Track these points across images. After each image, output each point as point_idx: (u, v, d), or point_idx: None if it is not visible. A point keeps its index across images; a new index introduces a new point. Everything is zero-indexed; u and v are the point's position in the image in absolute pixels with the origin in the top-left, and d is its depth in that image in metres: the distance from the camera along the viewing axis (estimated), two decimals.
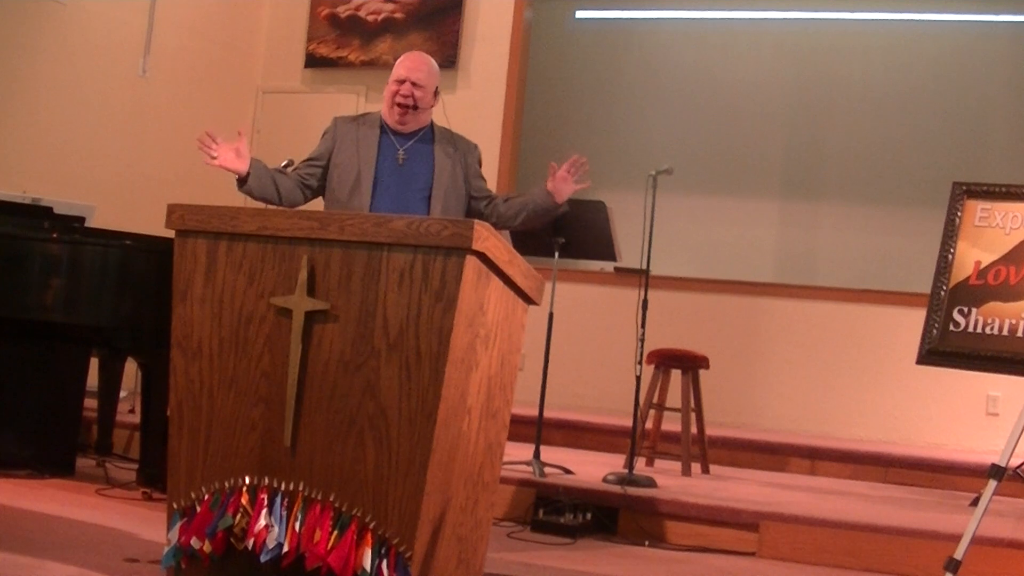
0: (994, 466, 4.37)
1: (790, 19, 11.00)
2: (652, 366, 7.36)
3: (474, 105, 9.92)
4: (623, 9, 11.60)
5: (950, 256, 6.88)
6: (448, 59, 10.26)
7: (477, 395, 3.78)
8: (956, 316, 6.77)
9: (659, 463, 7.45)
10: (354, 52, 10.67)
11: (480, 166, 5.32)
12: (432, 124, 5.27)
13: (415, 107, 5.12)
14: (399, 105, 5.12)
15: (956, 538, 4.45)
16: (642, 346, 6.59)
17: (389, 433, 3.62)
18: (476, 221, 3.60)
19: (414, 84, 5.12)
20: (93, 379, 6.88)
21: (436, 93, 5.24)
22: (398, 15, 10.53)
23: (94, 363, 6.86)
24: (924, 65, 10.52)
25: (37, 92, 8.83)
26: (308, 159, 5.26)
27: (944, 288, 6.87)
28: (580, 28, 11.77)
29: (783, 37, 11.01)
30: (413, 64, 5.18)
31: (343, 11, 10.73)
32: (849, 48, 10.79)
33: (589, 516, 6.02)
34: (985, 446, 8.35)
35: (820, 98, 10.82)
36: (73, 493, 6.01)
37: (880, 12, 10.70)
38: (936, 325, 6.82)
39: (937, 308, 6.85)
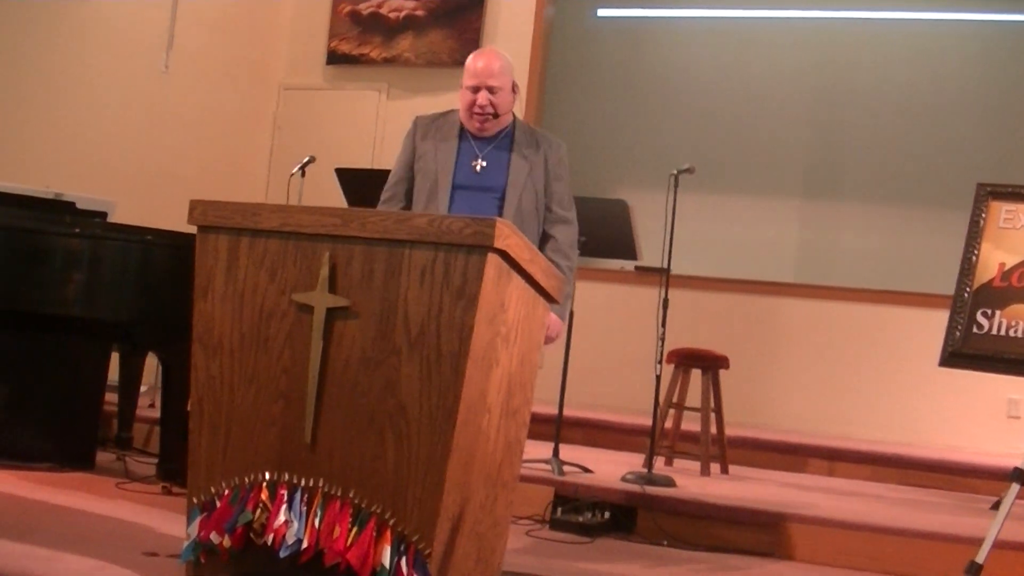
0: (1017, 469, 4.34)
1: (812, 18, 10.96)
2: (672, 365, 7.35)
3: None
4: (644, 7, 11.57)
5: (974, 258, 6.86)
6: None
7: (497, 393, 3.77)
8: (980, 318, 6.75)
9: (678, 463, 7.44)
10: (375, 49, 10.68)
11: (564, 166, 5.01)
12: (514, 122, 4.99)
13: (495, 115, 4.85)
14: (478, 116, 4.85)
15: (975, 541, 4.44)
16: (662, 345, 6.57)
17: (409, 430, 3.62)
18: (498, 219, 3.59)
19: (489, 90, 4.82)
20: (113, 374, 6.90)
21: (514, 88, 4.93)
22: (419, 12, 10.54)
23: (115, 358, 6.89)
24: (948, 64, 10.47)
25: (60, 88, 8.85)
26: (395, 182, 5.02)
27: (968, 290, 6.85)
28: (601, 25, 11.74)
29: (805, 36, 10.97)
30: (485, 68, 4.84)
31: (365, 8, 10.74)
32: (871, 47, 10.75)
33: (607, 515, 6.01)
34: (1005, 449, 8.31)
35: (842, 97, 10.78)
36: (93, 487, 6.02)
37: (903, 11, 10.65)
38: (959, 327, 6.81)
39: (960, 310, 6.83)
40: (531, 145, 4.93)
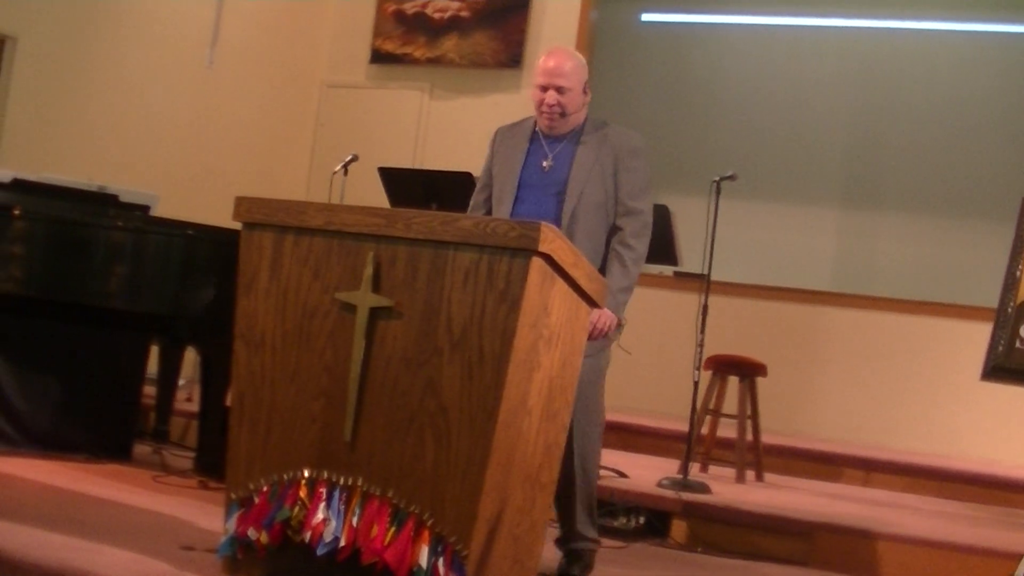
0: None
1: (855, 27, 10.90)
2: (710, 372, 7.33)
3: None
4: (688, 13, 11.54)
5: (1018, 272, 6.82)
6: (513, 58, 10.28)
7: (538, 396, 3.77)
8: (1023, 333, 6.71)
9: (713, 469, 7.41)
10: (419, 49, 10.69)
11: (638, 156, 4.90)
12: (586, 119, 4.91)
13: (562, 114, 4.79)
14: (546, 114, 4.80)
15: (1012, 556, 4.42)
16: (701, 351, 6.56)
17: (449, 431, 3.62)
18: (543, 223, 3.59)
19: (558, 90, 4.75)
20: (152, 366, 6.93)
21: (585, 90, 4.86)
22: (464, 13, 10.54)
23: (154, 351, 6.92)
24: (991, 75, 10.39)
25: (105, 82, 8.91)
26: (479, 189, 5.01)
27: (1011, 304, 6.80)
28: (645, 30, 11.72)
29: (848, 44, 10.91)
30: (556, 67, 4.78)
31: (409, 8, 10.76)
32: (914, 57, 10.68)
33: (642, 520, 6.01)
34: None
35: (883, 106, 10.72)
36: (130, 479, 6.06)
37: (945, 22, 10.59)
38: (1002, 341, 6.76)
39: (1004, 324, 6.79)
40: (600, 138, 4.85)
